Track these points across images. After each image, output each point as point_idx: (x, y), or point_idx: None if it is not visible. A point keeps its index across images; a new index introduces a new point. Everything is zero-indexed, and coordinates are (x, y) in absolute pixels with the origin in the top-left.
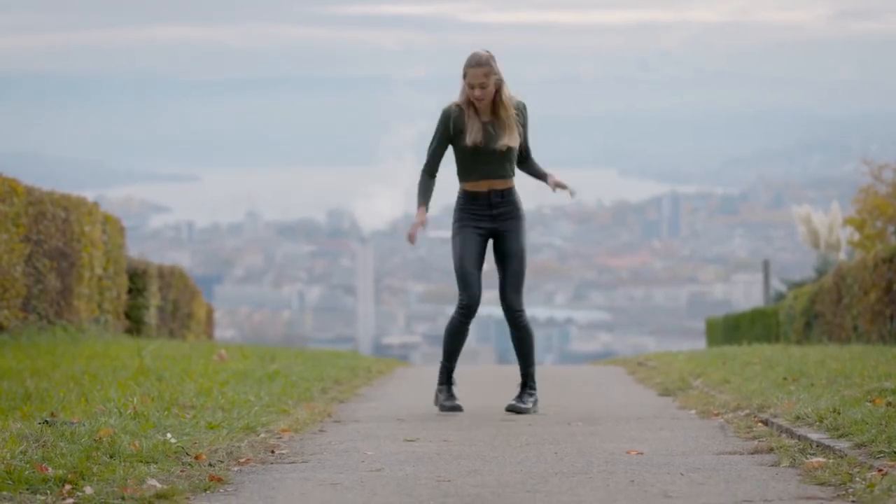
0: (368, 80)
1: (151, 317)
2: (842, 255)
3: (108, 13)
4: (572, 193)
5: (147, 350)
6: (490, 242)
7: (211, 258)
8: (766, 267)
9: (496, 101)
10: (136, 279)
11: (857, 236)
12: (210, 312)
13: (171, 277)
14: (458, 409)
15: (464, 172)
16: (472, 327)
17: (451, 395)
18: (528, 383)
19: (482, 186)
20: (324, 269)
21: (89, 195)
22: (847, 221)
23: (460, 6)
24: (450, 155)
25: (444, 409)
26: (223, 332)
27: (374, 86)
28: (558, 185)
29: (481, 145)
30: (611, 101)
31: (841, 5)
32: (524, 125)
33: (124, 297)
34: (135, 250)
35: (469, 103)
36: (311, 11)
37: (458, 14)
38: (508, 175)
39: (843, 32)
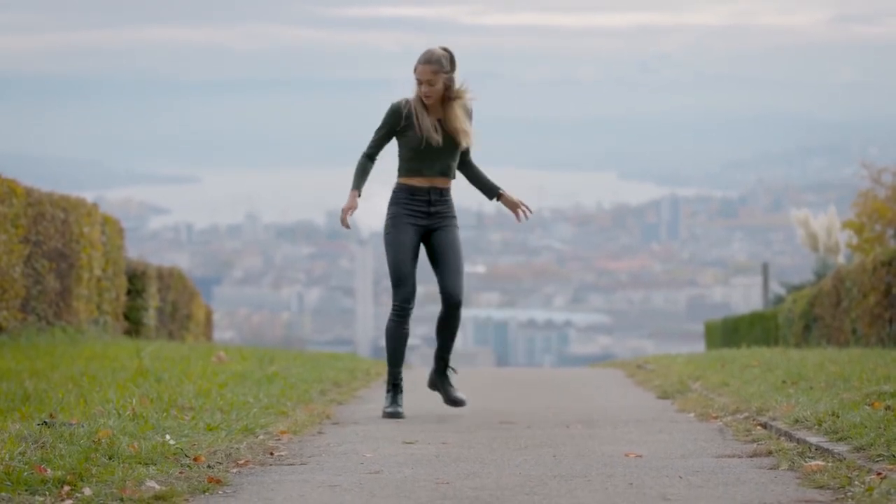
0: (368, 81)
1: (150, 318)
2: (841, 259)
3: (108, 14)
4: (526, 216)
5: (146, 351)
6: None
7: (210, 260)
8: (765, 270)
9: (445, 100)
10: (136, 280)
11: (856, 240)
12: (209, 314)
13: (170, 279)
14: (398, 416)
15: (405, 168)
16: (470, 330)
17: (393, 402)
18: (447, 366)
19: (423, 182)
20: (323, 270)
21: (88, 196)
22: (846, 225)
23: (460, 8)
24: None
25: (385, 415)
26: (222, 333)
27: (374, 87)
28: (514, 205)
29: (430, 141)
30: (611, 104)
31: (841, 9)
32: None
33: (123, 298)
34: (134, 252)
35: (419, 100)
36: (311, 13)
37: (458, 16)
38: (450, 175)
39: (843, 36)
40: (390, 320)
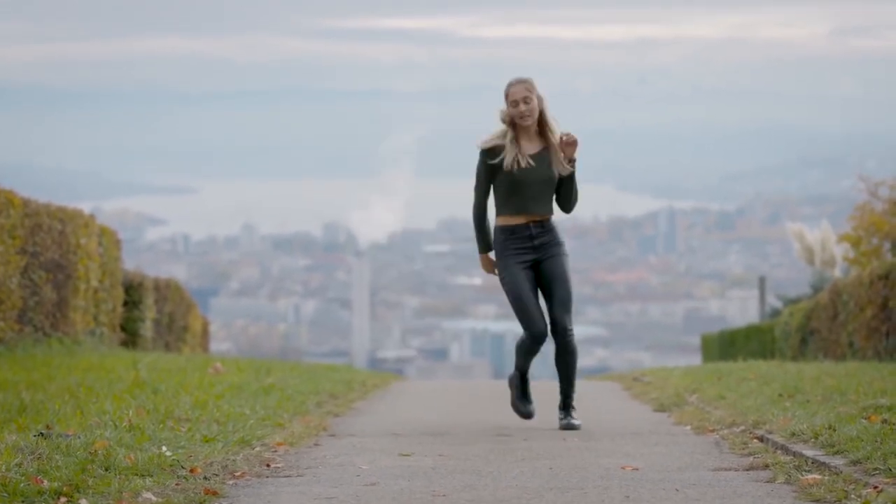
0: (367, 93)
1: (147, 329)
2: (837, 272)
3: (105, 25)
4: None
5: (142, 363)
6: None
7: (207, 271)
8: (761, 283)
9: (541, 125)
10: (132, 292)
11: (853, 253)
12: (206, 325)
13: (166, 290)
14: (527, 415)
15: (501, 205)
16: (467, 342)
17: (522, 398)
18: (569, 404)
19: (520, 220)
20: (319, 282)
21: (85, 207)
22: (843, 238)
23: (459, 20)
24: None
25: (514, 409)
26: (219, 345)
27: (373, 99)
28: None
29: (522, 174)
30: (608, 116)
31: (839, 22)
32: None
33: (120, 309)
34: (131, 263)
35: (512, 129)
36: (310, 24)
37: (457, 29)
38: (549, 210)
39: (842, 49)
40: (525, 342)
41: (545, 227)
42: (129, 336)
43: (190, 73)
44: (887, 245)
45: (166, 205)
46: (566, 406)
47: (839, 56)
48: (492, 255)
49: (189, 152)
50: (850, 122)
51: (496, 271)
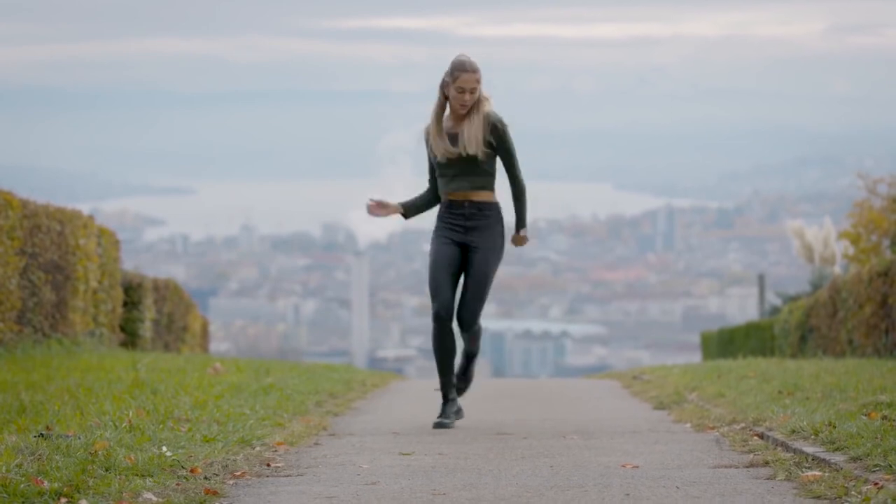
0: (364, 93)
1: (146, 330)
2: (837, 269)
3: (104, 26)
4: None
5: (142, 363)
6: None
7: (206, 271)
8: (761, 281)
9: (471, 109)
10: (131, 292)
11: (852, 250)
12: (205, 325)
13: (165, 290)
14: (444, 426)
15: (442, 182)
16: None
17: (441, 413)
18: (451, 397)
19: (457, 196)
20: (318, 282)
21: (84, 208)
22: (842, 235)
23: (458, 20)
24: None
25: (434, 425)
26: (218, 345)
27: (371, 99)
28: (519, 240)
29: (449, 155)
30: (607, 116)
31: (836, 19)
32: (501, 143)
33: (119, 310)
34: (130, 263)
35: (441, 112)
36: (306, 25)
37: (455, 28)
38: (485, 188)
39: (839, 47)
40: (433, 330)
41: (482, 209)
42: (129, 336)
43: (188, 74)
44: (886, 242)
45: (165, 205)
46: (446, 399)
47: (836, 54)
48: (394, 206)
49: (187, 153)
50: (848, 119)
51: (376, 214)
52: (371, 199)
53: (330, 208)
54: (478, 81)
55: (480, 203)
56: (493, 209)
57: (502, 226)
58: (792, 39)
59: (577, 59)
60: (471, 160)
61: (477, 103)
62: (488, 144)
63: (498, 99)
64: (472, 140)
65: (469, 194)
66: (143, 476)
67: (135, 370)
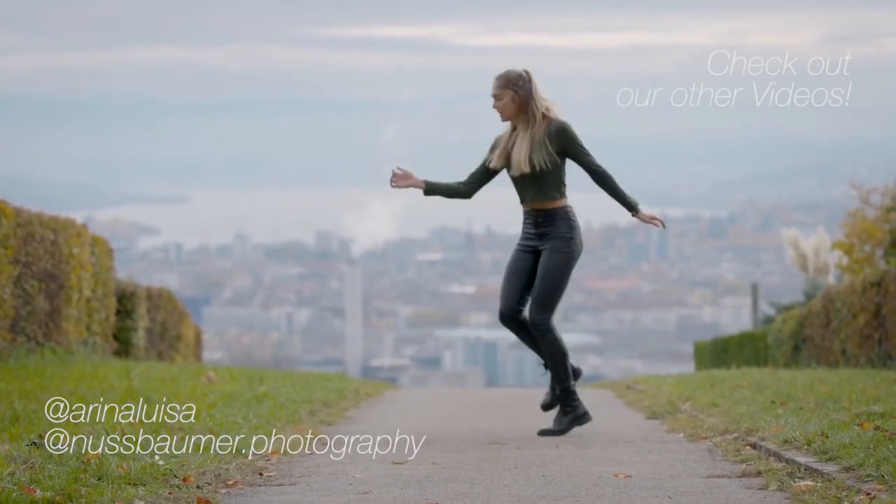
0: (360, 102)
1: (140, 339)
2: (830, 279)
3: (99, 35)
4: (663, 226)
5: (135, 372)
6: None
7: (199, 280)
8: (754, 290)
9: (526, 123)
10: (125, 301)
11: (846, 260)
12: (198, 334)
13: (159, 299)
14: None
15: (516, 191)
16: (460, 350)
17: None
18: (563, 400)
19: (527, 207)
20: (312, 291)
21: (78, 217)
22: (836, 245)
23: (453, 29)
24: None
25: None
26: (211, 353)
27: (366, 108)
28: (649, 220)
29: (506, 169)
30: (601, 124)
31: (830, 29)
32: (569, 147)
33: (113, 319)
34: (123, 272)
35: (513, 127)
36: (301, 34)
37: (452, 37)
38: (549, 197)
39: (833, 57)
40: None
41: (549, 216)
42: (122, 345)
43: (182, 83)
44: (880, 252)
45: (159, 214)
46: (557, 404)
47: (831, 64)
48: (418, 180)
49: (181, 162)
50: (842, 129)
51: (397, 185)
52: (397, 168)
53: (324, 217)
54: (495, 88)
55: (548, 210)
56: (561, 214)
57: (570, 227)
58: (786, 48)
59: (572, 68)
60: (532, 174)
61: (531, 116)
62: (558, 153)
63: (489, 108)
64: (517, 164)
65: (535, 204)
66: (135, 485)
67: (128, 379)
